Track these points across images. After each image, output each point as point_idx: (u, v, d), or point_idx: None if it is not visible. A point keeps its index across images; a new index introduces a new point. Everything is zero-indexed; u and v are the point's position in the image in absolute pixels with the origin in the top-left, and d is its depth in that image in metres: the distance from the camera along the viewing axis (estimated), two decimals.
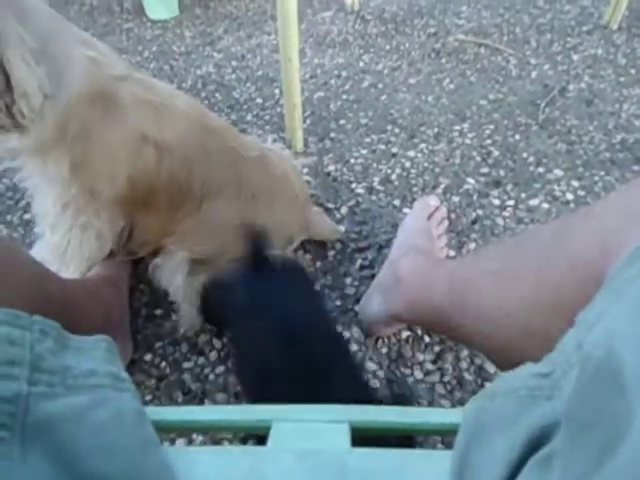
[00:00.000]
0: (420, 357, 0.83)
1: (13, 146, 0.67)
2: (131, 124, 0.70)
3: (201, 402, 0.78)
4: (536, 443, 0.27)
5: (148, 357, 0.84)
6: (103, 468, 0.29)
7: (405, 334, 0.85)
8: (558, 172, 1.15)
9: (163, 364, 0.83)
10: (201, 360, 0.83)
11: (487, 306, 0.53)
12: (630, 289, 0.27)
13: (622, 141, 1.23)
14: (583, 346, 0.27)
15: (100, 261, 0.83)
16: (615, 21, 1.66)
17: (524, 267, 0.49)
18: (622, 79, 1.45)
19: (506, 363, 0.43)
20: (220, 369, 0.82)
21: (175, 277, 0.81)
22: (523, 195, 1.10)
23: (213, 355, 0.84)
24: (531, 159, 1.19)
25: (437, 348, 0.84)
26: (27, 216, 1.08)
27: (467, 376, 0.80)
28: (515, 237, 0.66)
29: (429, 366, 0.82)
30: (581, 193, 1.10)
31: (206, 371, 0.82)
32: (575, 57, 1.56)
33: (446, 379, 0.80)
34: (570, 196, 1.09)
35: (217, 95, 1.46)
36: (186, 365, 0.83)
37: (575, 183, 1.12)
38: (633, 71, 1.48)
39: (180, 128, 0.76)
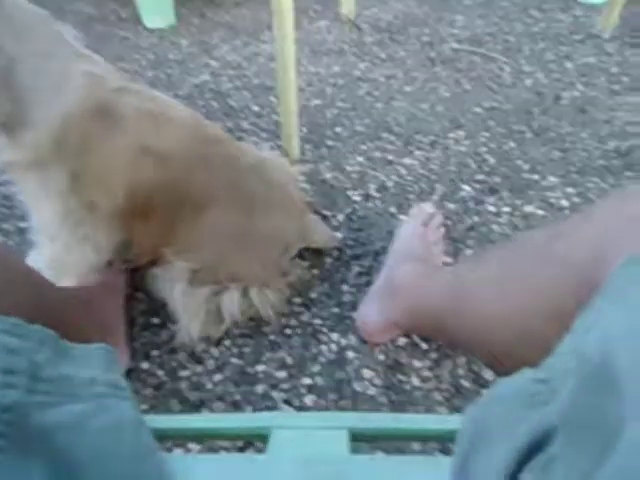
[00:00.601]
0: (417, 364, 0.83)
1: (9, 159, 0.68)
2: (130, 135, 0.70)
3: (198, 411, 0.78)
4: (535, 448, 0.27)
5: (145, 366, 0.83)
6: (103, 476, 0.29)
7: (402, 341, 0.85)
8: (553, 179, 1.16)
9: (160, 373, 0.83)
10: (198, 369, 0.83)
11: (484, 312, 0.53)
12: (627, 293, 0.27)
13: (616, 148, 1.24)
14: (580, 350, 0.27)
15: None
16: (607, 30, 1.68)
17: (519, 273, 0.49)
18: (615, 87, 1.46)
19: (504, 368, 0.43)
20: (217, 377, 0.82)
21: (174, 288, 0.81)
22: (518, 202, 1.10)
23: (210, 363, 0.83)
24: (526, 166, 1.20)
25: (434, 355, 0.84)
26: (22, 224, 1.08)
27: (464, 383, 0.80)
28: (510, 243, 0.67)
29: (426, 373, 0.82)
30: (576, 200, 1.11)
31: (203, 380, 0.81)
32: (568, 65, 1.57)
33: (443, 386, 0.80)
34: (565, 203, 1.10)
35: (213, 103, 1.46)
36: (183, 374, 0.82)
37: (570, 190, 1.13)
38: (625, 79, 1.49)
39: (178, 137, 0.76)
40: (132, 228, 0.79)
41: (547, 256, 0.45)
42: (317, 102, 1.46)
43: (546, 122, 1.34)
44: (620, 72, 1.52)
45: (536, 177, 1.17)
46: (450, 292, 0.63)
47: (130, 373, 0.82)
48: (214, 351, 0.85)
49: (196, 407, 0.78)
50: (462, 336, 0.59)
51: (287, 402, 0.79)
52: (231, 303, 0.82)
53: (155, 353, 0.85)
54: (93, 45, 0.75)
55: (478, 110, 1.40)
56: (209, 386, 0.81)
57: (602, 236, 0.37)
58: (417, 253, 0.86)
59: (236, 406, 0.78)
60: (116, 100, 0.70)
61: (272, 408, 0.78)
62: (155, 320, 0.90)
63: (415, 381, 0.81)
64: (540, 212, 1.08)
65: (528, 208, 1.09)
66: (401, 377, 0.81)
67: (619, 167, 1.19)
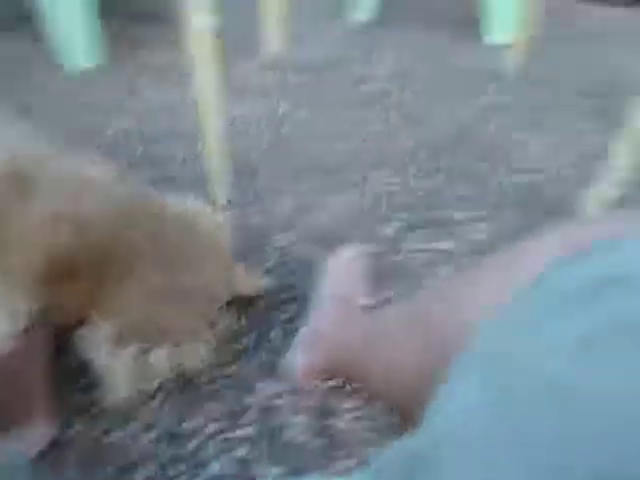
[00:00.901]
0: (347, 405, 0.85)
1: None
2: (44, 204, 0.70)
3: (132, 474, 0.77)
4: None
5: (73, 431, 0.81)
6: None
7: (331, 383, 0.88)
8: (469, 214, 1.24)
9: (89, 437, 0.81)
10: (129, 430, 0.81)
11: (384, 362, 0.57)
12: (461, 385, 0.31)
13: (529, 183, 1.34)
14: (425, 436, 0.30)
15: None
16: (515, 69, 1.82)
17: (403, 331, 0.54)
18: (523, 123, 1.59)
19: (406, 417, 0.46)
20: (149, 437, 0.81)
21: (100, 349, 0.80)
22: (437, 238, 1.17)
23: (141, 423, 0.82)
24: (444, 202, 1.27)
25: (364, 394, 0.87)
26: None
27: (395, 419, 0.83)
28: (413, 299, 0.70)
29: (357, 413, 0.84)
30: (492, 235, 1.18)
31: (135, 440, 0.80)
32: (480, 102, 1.69)
33: (375, 424, 0.83)
34: (482, 237, 1.17)
35: (138, 149, 1.46)
36: (114, 436, 0.81)
37: (484, 225, 1.21)
38: (531, 117, 1.62)
39: (97, 199, 0.76)
40: (55, 291, 0.78)
41: (425, 319, 0.50)
42: (242, 145, 1.48)
43: (461, 159, 1.43)
44: (528, 109, 1.66)
45: (453, 213, 1.24)
46: (364, 341, 0.67)
47: (57, 441, 0.80)
48: (144, 410, 0.84)
49: (129, 471, 0.77)
50: (372, 384, 0.63)
51: (223, 453, 0.79)
52: (160, 360, 0.82)
53: (84, 416, 0.83)
54: (6, 91, 0.74)
55: (400, 148, 1.47)
56: (141, 447, 0.80)
57: (448, 315, 0.42)
58: (340, 296, 0.90)
59: (166, 466, 0.78)
60: (28, 168, 0.70)
61: (205, 463, 0.78)
62: (82, 382, 0.88)
63: (346, 423, 0.83)
64: (458, 248, 1.14)
65: (446, 245, 1.15)
66: (332, 420, 0.83)
67: (530, 200, 1.29)
